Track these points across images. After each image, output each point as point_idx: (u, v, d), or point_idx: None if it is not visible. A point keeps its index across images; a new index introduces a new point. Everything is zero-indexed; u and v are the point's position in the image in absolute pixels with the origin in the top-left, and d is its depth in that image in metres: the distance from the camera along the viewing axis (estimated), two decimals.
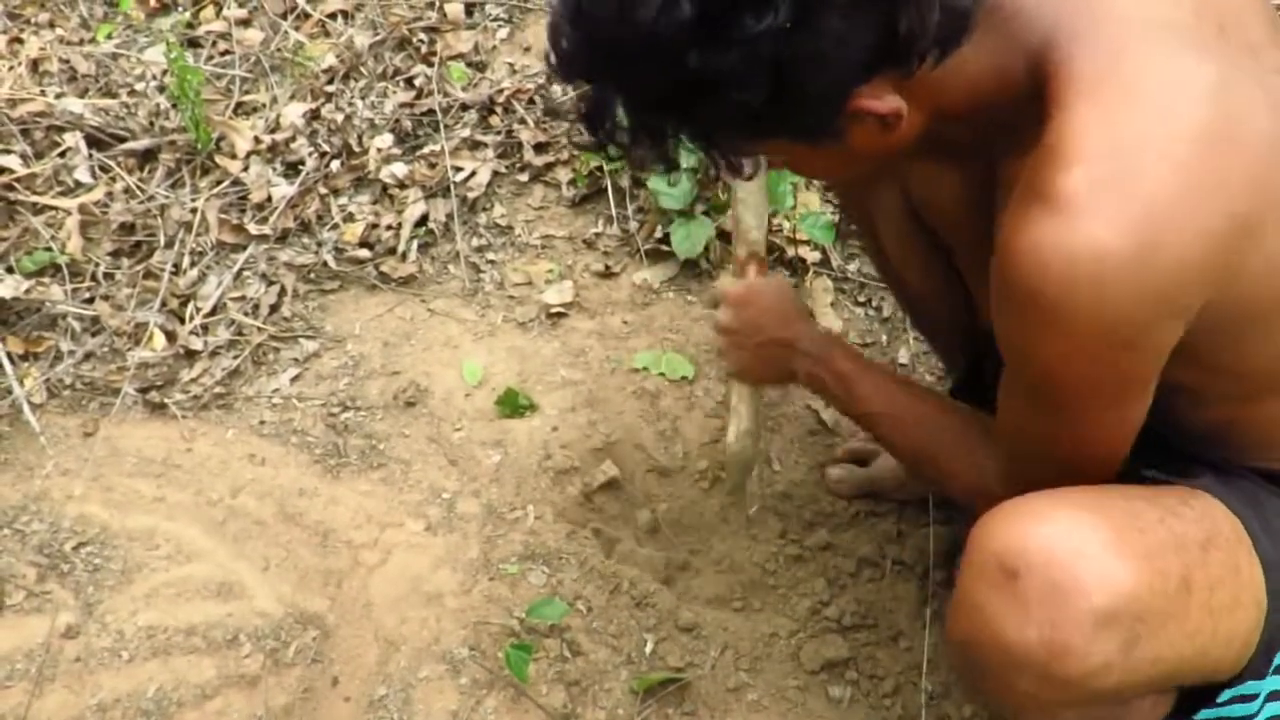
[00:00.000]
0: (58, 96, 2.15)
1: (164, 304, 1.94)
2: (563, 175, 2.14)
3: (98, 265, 1.97)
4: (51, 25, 2.31)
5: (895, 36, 0.95)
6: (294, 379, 1.89)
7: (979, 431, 1.31)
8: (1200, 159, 0.96)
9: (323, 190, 2.08)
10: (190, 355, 1.90)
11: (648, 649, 1.59)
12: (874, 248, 1.63)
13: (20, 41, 2.27)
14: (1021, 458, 1.18)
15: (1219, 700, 1.16)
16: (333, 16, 2.33)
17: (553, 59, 1.01)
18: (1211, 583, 1.07)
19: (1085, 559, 1.01)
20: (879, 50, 0.96)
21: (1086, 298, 0.97)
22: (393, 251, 2.04)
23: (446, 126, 2.16)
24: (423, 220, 2.07)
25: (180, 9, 2.35)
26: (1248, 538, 1.11)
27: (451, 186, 2.10)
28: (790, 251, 2.02)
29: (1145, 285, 0.96)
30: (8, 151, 2.05)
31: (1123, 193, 0.95)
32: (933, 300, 1.60)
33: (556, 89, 2.19)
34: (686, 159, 1.96)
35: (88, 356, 1.89)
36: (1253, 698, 1.16)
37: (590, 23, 0.96)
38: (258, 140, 2.12)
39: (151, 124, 2.13)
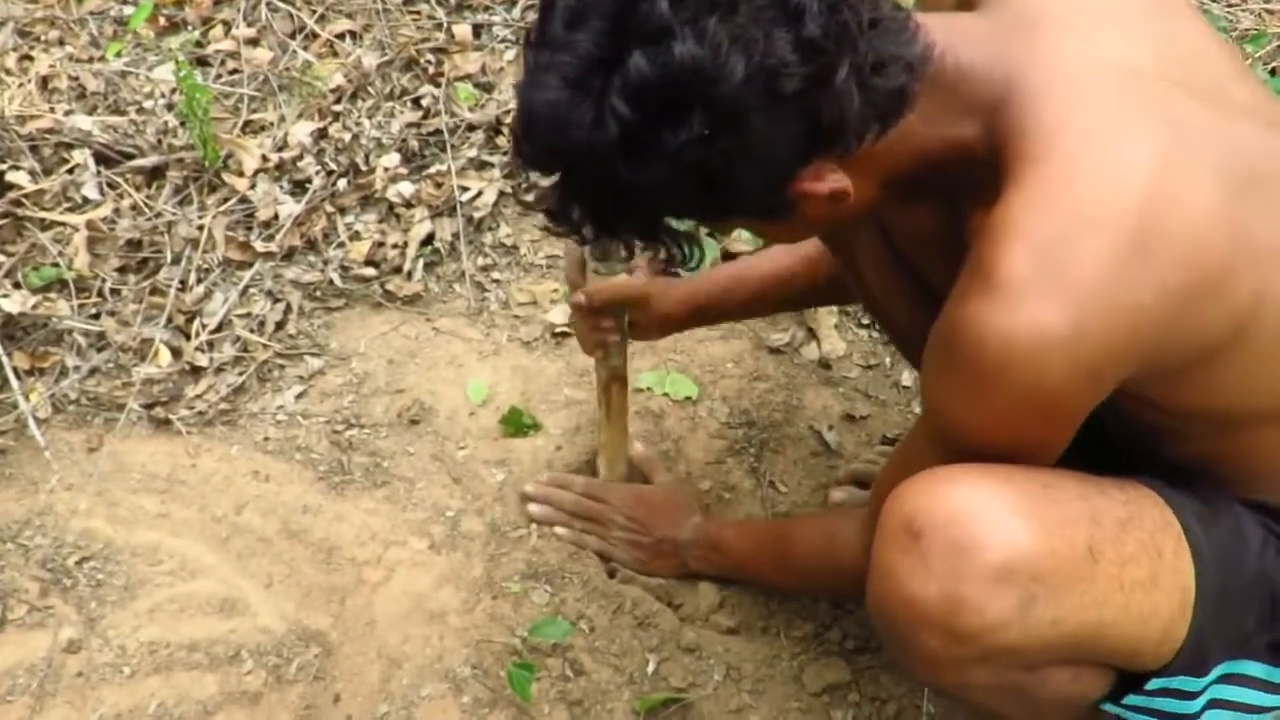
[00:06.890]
0: (67, 113, 2.16)
1: (170, 320, 1.94)
2: None
3: (104, 281, 1.98)
4: (61, 43, 2.32)
5: (820, 126, 0.99)
6: (299, 396, 1.89)
7: (841, 520, 1.44)
8: (1136, 236, 0.99)
9: (329, 209, 2.09)
10: (195, 371, 1.90)
11: (650, 669, 1.59)
12: (857, 282, 1.64)
13: (30, 59, 2.28)
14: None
15: (1148, 688, 1.17)
16: (341, 37, 2.35)
17: (516, 157, 1.07)
18: (1124, 559, 1.09)
19: (986, 518, 1.05)
20: (807, 139, 1.00)
21: (1020, 375, 1.01)
22: (398, 270, 2.05)
23: (453, 146, 2.18)
24: (429, 239, 2.08)
25: (189, 28, 2.36)
26: (1178, 525, 1.13)
27: (458, 206, 2.11)
28: None
29: (1077, 363, 1.01)
30: (16, 168, 2.06)
31: (1058, 274, 0.99)
32: (918, 331, 1.60)
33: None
34: None
35: (93, 372, 1.89)
36: (1190, 695, 1.17)
37: (539, 136, 1.02)
38: (265, 158, 2.13)
39: (159, 141, 2.14)
